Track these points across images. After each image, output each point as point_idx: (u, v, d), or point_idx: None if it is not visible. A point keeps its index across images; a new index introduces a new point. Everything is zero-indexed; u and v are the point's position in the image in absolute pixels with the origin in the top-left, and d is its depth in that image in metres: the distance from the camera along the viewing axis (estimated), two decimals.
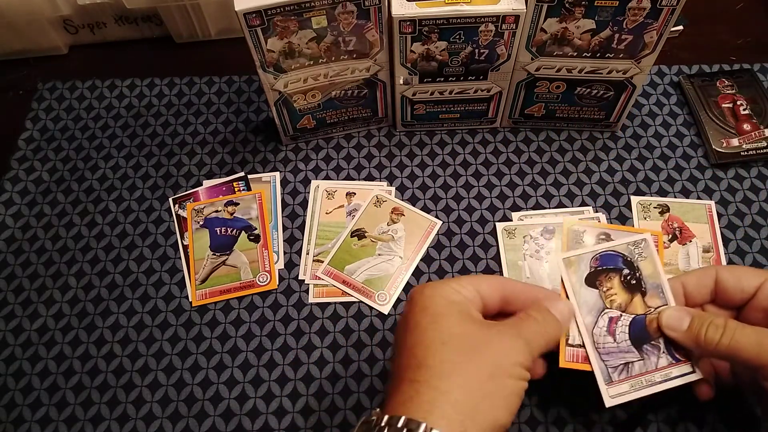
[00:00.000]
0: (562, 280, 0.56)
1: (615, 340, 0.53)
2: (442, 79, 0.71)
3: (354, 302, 0.68)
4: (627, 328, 0.53)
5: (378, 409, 0.46)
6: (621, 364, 0.53)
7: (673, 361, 0.52)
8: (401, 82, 0.71)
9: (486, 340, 0.47)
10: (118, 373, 0.65)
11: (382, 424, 0.43)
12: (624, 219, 0.72)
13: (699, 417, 0.61)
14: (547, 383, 0.63)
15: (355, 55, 0.68)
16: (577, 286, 0.55)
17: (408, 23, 0.63)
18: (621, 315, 0.54)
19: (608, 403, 0.52)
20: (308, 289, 0.69)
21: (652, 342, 0.53)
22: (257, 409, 0.63)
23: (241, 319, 0.68)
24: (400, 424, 0.42)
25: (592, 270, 0.55)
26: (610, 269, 0.55)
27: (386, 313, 0.68)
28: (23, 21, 0.82)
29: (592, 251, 0.56)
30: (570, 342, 0.54)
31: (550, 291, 0.55)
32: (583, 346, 0.54)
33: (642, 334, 0.53)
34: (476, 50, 0.67)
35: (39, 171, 0.78)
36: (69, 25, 0.86)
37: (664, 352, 0.53)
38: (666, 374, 0.52)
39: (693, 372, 0.52)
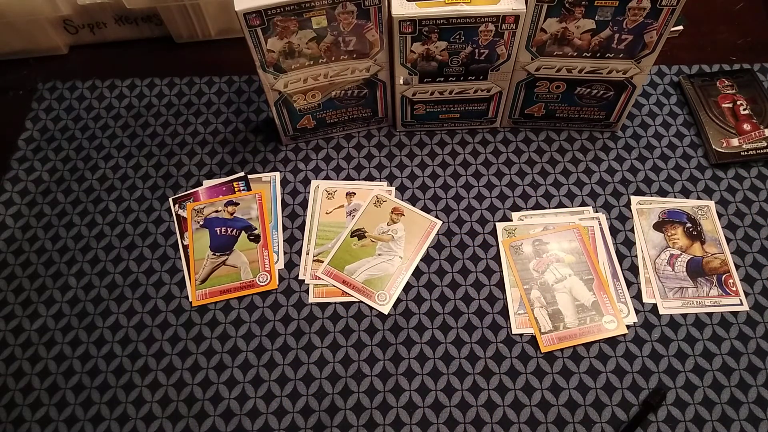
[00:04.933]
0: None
1: (673, 270, 0.68)
2: (442, 79, 0.71)
3: (354, 302, 0.68)
4: (685, 264, 0.68)
5: None
6: (676, 287, 0.67)
7: (724, 293, 0.66)
8: (401, 82, 0.71)
9: None
10: (118, 373, 0.65)
11: None
12: (624, 219, 0.72)
13: (699, 417, 0.61)
14: (546, 380, 0.64)
15: (355, 55, 0.68)
16: (645, 229, 0.70)
17: (408, 23, 0.63)
18: (681, 254, 0.69)
19: (662, 311, 0.66)
20: (308, 289, 0.69)
21: (707, 277, 0.67)
22: (257, 409, 0.63)
23: (241, 319, 0.68)
24: None
25: (660, 219, 0.71)
26: (675, 221, 0.71)
27: (386, 313, 0.68)
28: (23, 21, 0.82)
29: (661, 207, 0.72)
30: (542, 331, 0.65)
31: None
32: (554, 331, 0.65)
33: (698, 269, 0.68)
34: (476, 50, 0.67)
35: (39, 171, 0.78)
36: (69, 25, 0.86)
37: (715, 286, 0.67)
38: (716, 302, 0.66)
39: (741, 304, 0.66)
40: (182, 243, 0.72)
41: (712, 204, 0.73)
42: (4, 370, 0.66)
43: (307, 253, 0.71)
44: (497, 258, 0.71)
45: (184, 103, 0.83)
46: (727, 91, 0.79)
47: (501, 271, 0.70)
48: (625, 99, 0.73)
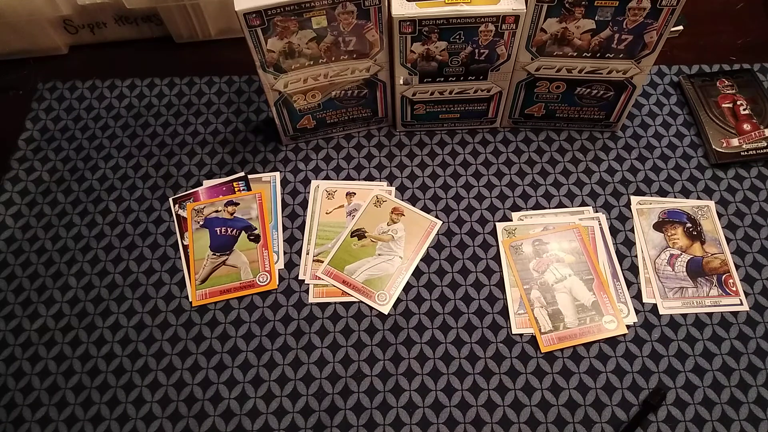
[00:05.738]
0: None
1: (673, 270, 0.68)
2: (442, 79, 0.71)
3: (354, 302, 0.68)
4: (685, 264, 0.68)
5: None
6: (676, 287, 0.67)
7: (724, 293, 0.66)
8: (401, 82, 0.71)
9: None
10: (118, 373, 0.65)
11: None
12: (624, 219, 0.72)
13: (699, 417, 0.61)
14: (546, 380, 0.64)
15: (355, 55, 0.68)
16: (645, 229, 0.70)
17: (408, 23, 0.63)
18: (681, 254, 0.69)
19: (662, 311, 0.66)
20: (308, 289, 0.69)
21: (707, 277, 0.67)
22: (257, 409, 0.63)
23: (241, 319, 0.68)
24: None
25: (660, 219, 0.71)
26: (675, 221, 0.71)
27: (386, 313, 0.68)
28: (23, 21, 0.82)
29: (661, 207, 0.72)
30: (542, 331, 0.65)
31: None
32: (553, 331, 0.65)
33: (698, 269, 0.68)
34: (476, 50, 0.67)
35: (39, 171, 0.78)
36: (69, 25, 0.86)
37: (715, 286, 0.67)
38: (716, 301, 0.66)
39: (741, 304, 0.66)
40: (182, 243, 0.73)
41: (712, 204, 0.73)
42: (4, 370, 0.66)
43: (307, 253, 0.71)
44: (497, 258, 0.71)
45: (184, 103, 0.83)
46: (727, 91, 0.79)
47: (501, 271, 0.70)
48: (625, 99, 0.73)
